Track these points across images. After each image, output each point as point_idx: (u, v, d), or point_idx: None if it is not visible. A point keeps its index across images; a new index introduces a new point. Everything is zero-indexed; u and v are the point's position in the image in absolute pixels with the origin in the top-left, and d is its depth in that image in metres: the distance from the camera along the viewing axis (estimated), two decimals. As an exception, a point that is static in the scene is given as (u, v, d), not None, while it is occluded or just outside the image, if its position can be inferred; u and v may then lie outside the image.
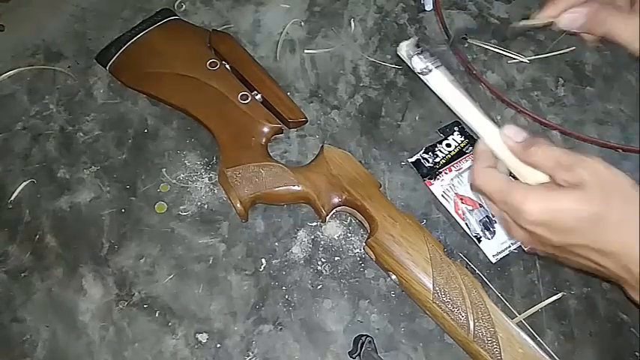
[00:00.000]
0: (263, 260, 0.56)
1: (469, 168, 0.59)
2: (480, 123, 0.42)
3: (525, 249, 0.44)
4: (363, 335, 0.51)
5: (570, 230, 0.38)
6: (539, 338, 0.52)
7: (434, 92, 0.43)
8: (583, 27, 0.46)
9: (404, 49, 0.43)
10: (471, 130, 0.43)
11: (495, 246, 0.56)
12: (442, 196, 0.58)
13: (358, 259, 0.56)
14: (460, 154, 0.61)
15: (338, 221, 0.58)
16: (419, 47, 0.43)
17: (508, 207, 0.40)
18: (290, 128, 0.63)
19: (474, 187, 0.43)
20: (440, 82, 0.43)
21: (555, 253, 0.42)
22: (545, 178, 0.40)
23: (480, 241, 0.56)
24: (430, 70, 0.43)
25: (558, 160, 0.39)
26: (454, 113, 0.43)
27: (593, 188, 0.37)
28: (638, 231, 0.37)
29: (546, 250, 0.42)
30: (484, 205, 0.57)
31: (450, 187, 0.58)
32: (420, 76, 0.43)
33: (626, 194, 0.38)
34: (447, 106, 0.43)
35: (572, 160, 0.38)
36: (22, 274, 0.56)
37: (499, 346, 0.47)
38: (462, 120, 0.43)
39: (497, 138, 0.42)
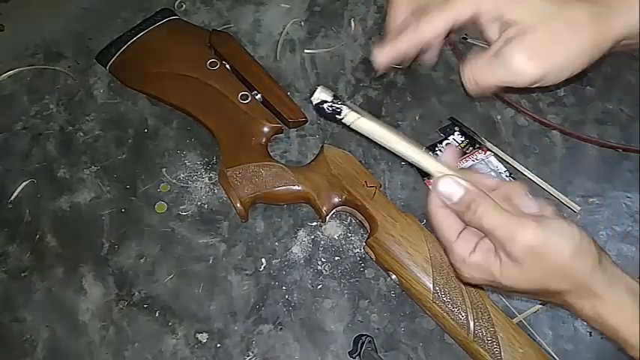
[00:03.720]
0: (263, 260, 0.56)
1: (469, 168, 0.59)
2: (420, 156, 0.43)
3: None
4: (363, 335, 0.51)
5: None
6: (539, 338, 0.52)
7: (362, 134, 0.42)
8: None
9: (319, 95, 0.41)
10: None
11: (495, 246, 0.56)
12: (442, 196, 0.58)
13: (358, 259, 0.56)
14: (460, 154, 0.60)
15: (338, 221, 0.58)
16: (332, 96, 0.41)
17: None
18: (290, 128, 0.63)
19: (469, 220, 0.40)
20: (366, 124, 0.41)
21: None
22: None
23: (479, 241, 0.56)
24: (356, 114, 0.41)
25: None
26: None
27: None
28: None
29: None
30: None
31: (450, 187, 0.58)
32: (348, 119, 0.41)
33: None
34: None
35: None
36: (22, 274, 0.56)
37: (499, 346, 0.47)
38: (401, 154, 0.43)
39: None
